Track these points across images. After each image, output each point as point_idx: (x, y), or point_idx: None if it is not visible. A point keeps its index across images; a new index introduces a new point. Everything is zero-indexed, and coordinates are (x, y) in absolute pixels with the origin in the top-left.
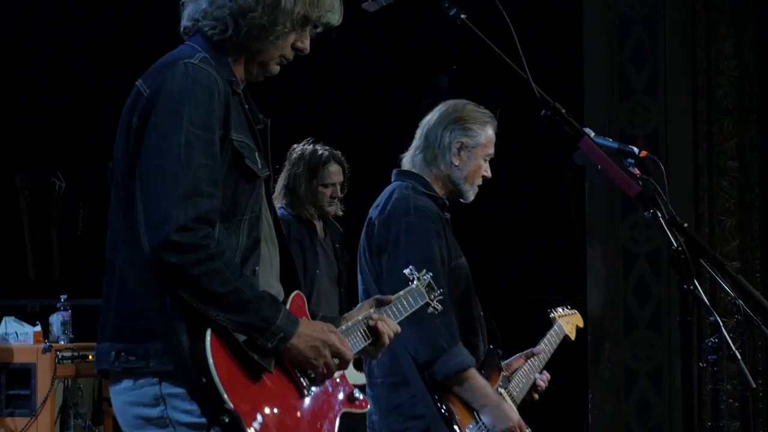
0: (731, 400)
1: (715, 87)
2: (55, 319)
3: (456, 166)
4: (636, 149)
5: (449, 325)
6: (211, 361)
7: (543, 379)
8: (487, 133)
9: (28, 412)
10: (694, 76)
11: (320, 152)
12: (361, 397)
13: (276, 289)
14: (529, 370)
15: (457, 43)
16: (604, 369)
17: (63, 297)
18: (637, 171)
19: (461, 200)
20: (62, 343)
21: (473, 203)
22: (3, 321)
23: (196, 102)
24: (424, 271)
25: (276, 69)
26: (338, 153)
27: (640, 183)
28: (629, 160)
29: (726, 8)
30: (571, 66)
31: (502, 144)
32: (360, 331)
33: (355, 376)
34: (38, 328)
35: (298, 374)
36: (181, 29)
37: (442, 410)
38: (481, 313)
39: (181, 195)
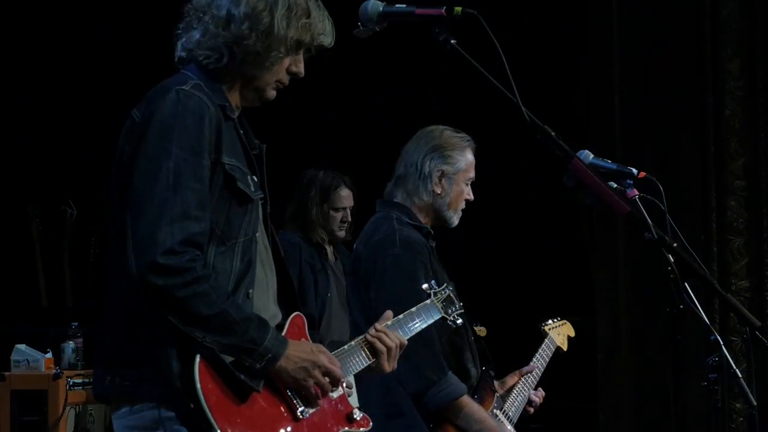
0: (741, 419)
1: (723, 107)
2: (67, 346)
3: (438, 194)
4: (635, 170)
5: (436, 355)
6: (198, 387)
7: (538, 396)
8: (467, 158)
9: None
10: (702, 96)
11: (332, 177)
12: (361, 416)
13: (272, 311)
14: (523, 388)
15: (463, 66)
16: (614, 389)
17: (74, 324)
18: (635, 191)
19: (446, 226)
20: (74, 369)
21: (484, 225)
22: (14, 348)
23: (185, 127)
24: (445, 285)
25: (272, 94)
26: (348, 178)
27: (630, 204)
28: (628, 181)
29: (732, 28)
30: (578, 88)
31: (513, 165)
32: (364, 350)
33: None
34: (49, 354)
35: (291, 396)
36: (176, 59)
37: None
38: (472, 337)
39: (169, 218)
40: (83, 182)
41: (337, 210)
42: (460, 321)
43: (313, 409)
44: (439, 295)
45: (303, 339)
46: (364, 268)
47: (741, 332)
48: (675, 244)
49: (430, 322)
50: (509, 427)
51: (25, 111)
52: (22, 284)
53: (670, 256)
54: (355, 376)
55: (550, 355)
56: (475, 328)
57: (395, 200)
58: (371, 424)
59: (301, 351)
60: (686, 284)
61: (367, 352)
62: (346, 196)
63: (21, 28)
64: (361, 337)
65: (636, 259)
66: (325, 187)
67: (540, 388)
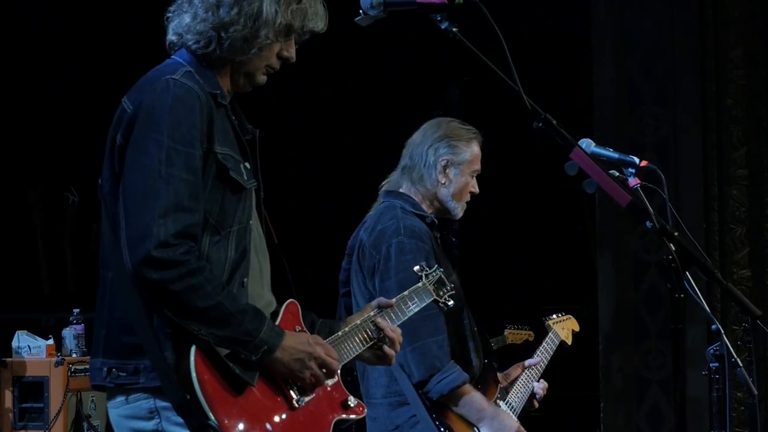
0: (743, 408)
1: (725, 96)
2: (68, 333)
3: (442, 183)
4: (637, 159)
5: (442, 344)
6: (194, 377)
7: (541, 387)
8: (472, 150)
9: (41, 425)
10: (704, 85)
11: None
12: (356, 403)
13: (267, 299)
14: (527, 380)
15: (468, 55)
16: (616, 378)
17: (76, 311)
18: (637, 180)
19: (450, 217)
20: (75, 356)
21: (488, 214)
22: (16, 335)
23: (177, 117)
24: (435, 266)
25: (263, 79)
26: None
27: (631, 193)
28: (630, 169)
29: (735, 17)
30: (580, 76)
31: (517, 154)
32: (359, 336)
33: None
34: (51, 341)
35: (287, 386)
36: (167, 44)
37: (441, 430)
38: (475, 328)
39: (162, 211)
40: (85, 169)
41: None
42: (451, 303)
43: (309, 398)
44: (430, 278)
45: (297, 326)
46: (368, 256)
47: (742, 321)
48: (676, 233)
49: (423, 305)
50: (508, 412)
51: (27, 98)
52: (24, 271)
53: (671, 245)
54: (361, 365)
55: (554, 348)
56: (523, 332)
57: (400, 190)
58: (365, 410)
59: (297, 342)
60: (687, 273)
61: (364, 336)
62: None
63: (21, 17)
64: (359, 323)
65: (637, 248)
66: None
67: (542, 380)
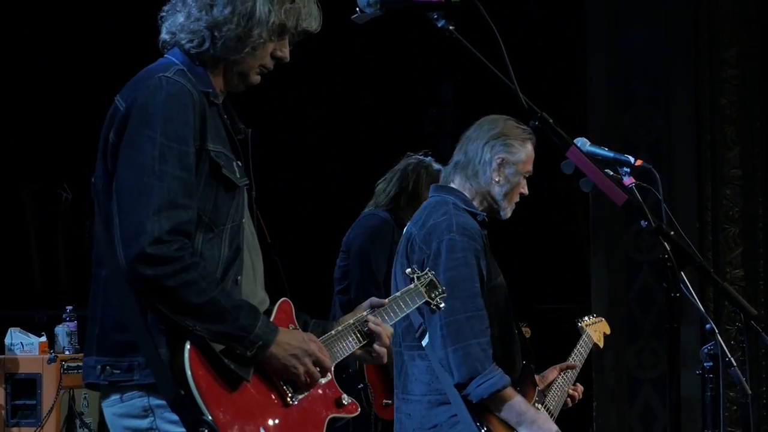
0: (735, 407)
1: (718, 96)
2: (61, 330)
3: (497, 182)
4: (632, 158)
5: (485, 346)
6: (189, 373)
7: (577, 390)
8: (527, 150)
9: (34, 422)
10: (697, 84)
11: (436, 167)
12: (349, 402)
13: (260, 297)
14: (564, 383)
15: (464, 53)
16: (609, 377)
17: (69, 308)
18: (632, 179)
19: (498, 217)
20: (68, 353)
21: None
22: (8, 332)
23: (170, 115)
24: (427, 269)
25: (257, 79)
26: None
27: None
28: (625, 169)
29: (729, 17)
30: (574, 76)
31: None
32: (352, 335)
33: None
34: (43, 338)
35: (282, 383)
36: (160, 43)
37: (482, 431)
38: (516, 330)
39: (156, 208)
40: (78, 166)
41: None
42: (443, 305)
43: (303, 395)
44: (422, 280)
45: (291, 325)
46: (417, 250)
47: (735, 321)
48: (672, 233)
49: (413, 307)
50: (547, 416)
51: (20, 95)
52: (17, 268)
53: (666, 244)
54: (399, 360)
55: (588, 351)
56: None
57: (452, 185)
58: (359, 409)
59: (291, 338)
60: (682, 273)
61: (357, 336)
62: None
63: (16, 15)
64: (352, 322)
65: (630, 247)
66: (434, 175)
67: (578, 383)
